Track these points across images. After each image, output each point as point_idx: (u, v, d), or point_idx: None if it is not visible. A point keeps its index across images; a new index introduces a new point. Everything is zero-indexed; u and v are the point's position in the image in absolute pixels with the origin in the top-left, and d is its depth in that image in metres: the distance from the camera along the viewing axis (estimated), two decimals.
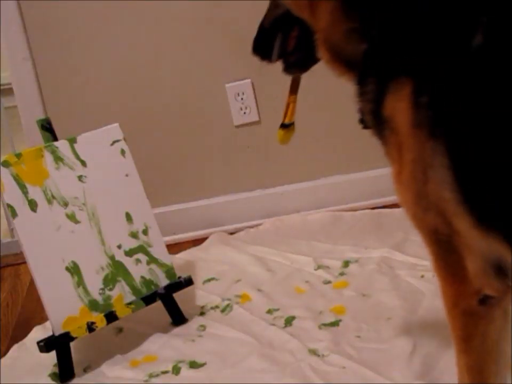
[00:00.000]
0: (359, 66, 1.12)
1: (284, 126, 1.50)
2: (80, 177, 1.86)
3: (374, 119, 1.12)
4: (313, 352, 1.66)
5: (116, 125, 1.93)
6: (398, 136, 1.05)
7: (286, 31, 1.29)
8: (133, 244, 1.90)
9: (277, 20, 1.30)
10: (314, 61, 1.30)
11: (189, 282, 1.94)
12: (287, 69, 1.37)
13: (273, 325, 1.82)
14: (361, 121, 1.23)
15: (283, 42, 1.30)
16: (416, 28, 1.02)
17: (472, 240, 1.01)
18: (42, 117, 2.24)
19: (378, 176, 2.34)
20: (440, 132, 0.98)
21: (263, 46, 1.33)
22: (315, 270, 2.09)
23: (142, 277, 1.88)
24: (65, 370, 1.74)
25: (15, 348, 1.93)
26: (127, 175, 1.92)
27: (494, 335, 1.09)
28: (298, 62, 1.34)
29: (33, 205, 1.77)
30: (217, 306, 1.97)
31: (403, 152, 1.05)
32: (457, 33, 0.96)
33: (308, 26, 1.21)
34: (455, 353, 1.15)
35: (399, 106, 1.03)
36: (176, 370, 1.70)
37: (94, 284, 1.80)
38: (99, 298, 1.80)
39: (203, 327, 1.88)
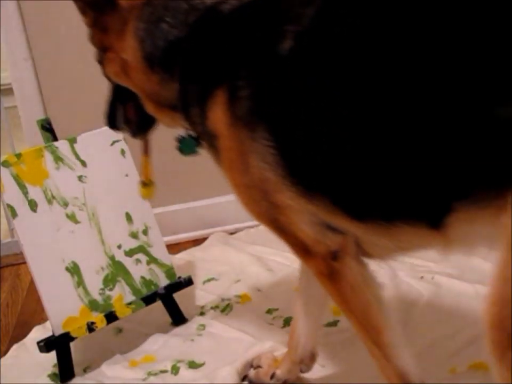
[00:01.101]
0: (180, 104, 1.31)
1: (143, 184, 1.66)
2: (80, 177, 1.86)
3: (205, 138, 1.29)
4: None
5: None
6: (222, 141, 1.21)
7: (124, 101, 1.46)
8: (133, 244, 1.90)
9: (114, 93, 1.48)
10: (154, 122, 1.50)
11: (189, 282, 1.94)
12: (132, 134, 1.54)
13: (273, 324, 1.82)
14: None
15: (124, 111, 1.48)
16: (225, 47, 1.20)
17: (300, 209, 1.15)
18: (42, 117, 2.24)
19: None
20: (261, 120, 1.13)
21: (111, 118, 1.50)
22: None
23: (142, 277, 1.88)
24: (65, 370, 1.75)
25: (15, 347, 1.93)
26: (127, 175, 1.92)
27: (359, 283, 1.21)
28: (139, 127, 1.50)
29: (33, 205, 1.77)
30: (217, 306, 1.97)
31: (228, 154, 1.20)
32: (265, 42, 1.14)
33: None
34: (349, 322, 1.25)
35: (217, 115, 1.20)
36: (175, 370, 1.70)
37: (94, 283, 1.81)
38: (99, 298, 1.80)
39: (203, 327, 1.88)
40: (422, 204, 1.05)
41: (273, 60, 1.12)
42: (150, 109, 1.42)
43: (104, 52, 1.41)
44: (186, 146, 1.49)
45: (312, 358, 1.55)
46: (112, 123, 1.51)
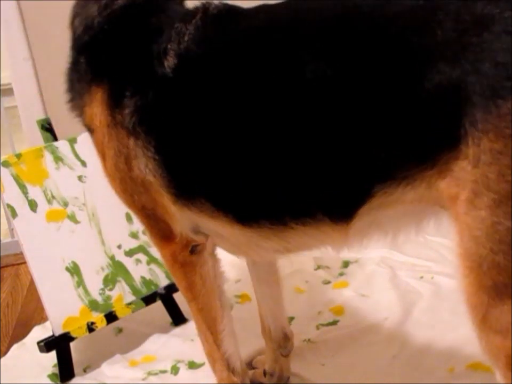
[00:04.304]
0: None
1: None
2: (80, 177, 1.86)
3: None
4: (312, 351, 1.66)
5: None
6: (98, 135, 1.28)
7: None
8: (133, 244, 1.90)
9: None
10: None
11: None
12: None
13: None
14: None
15: None
16: (106, 55, 1.26)
17: (173, 212, 1.25)
18: (42, 117, 2.24)
19: None
20: (146, 132, 1.19)
21: None
22: (315, 270, 2.09)
23: (142, 277, 1.88)
24: (65, 370, 1.75)
25: (15, 347, 1.93)
26: None
27: (210, 275, 1.32)
28: None
29: (33, 205, 1.77)
30: None
31: (104, 149, 1.27)
32: (147, 61, 1.19)
33: None
34: (189, 307, 1.35)
35: (95, 111, 1.26)
36: (175, 370, 1.70)
37: (94, 283, 1.81)
38: (99, 298, 1.80)
39: None
40: (335, 198, 1.07)
41: (158, 77, 1.18)
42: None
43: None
44: None
45: (286, 338, 1.59)
46: None
